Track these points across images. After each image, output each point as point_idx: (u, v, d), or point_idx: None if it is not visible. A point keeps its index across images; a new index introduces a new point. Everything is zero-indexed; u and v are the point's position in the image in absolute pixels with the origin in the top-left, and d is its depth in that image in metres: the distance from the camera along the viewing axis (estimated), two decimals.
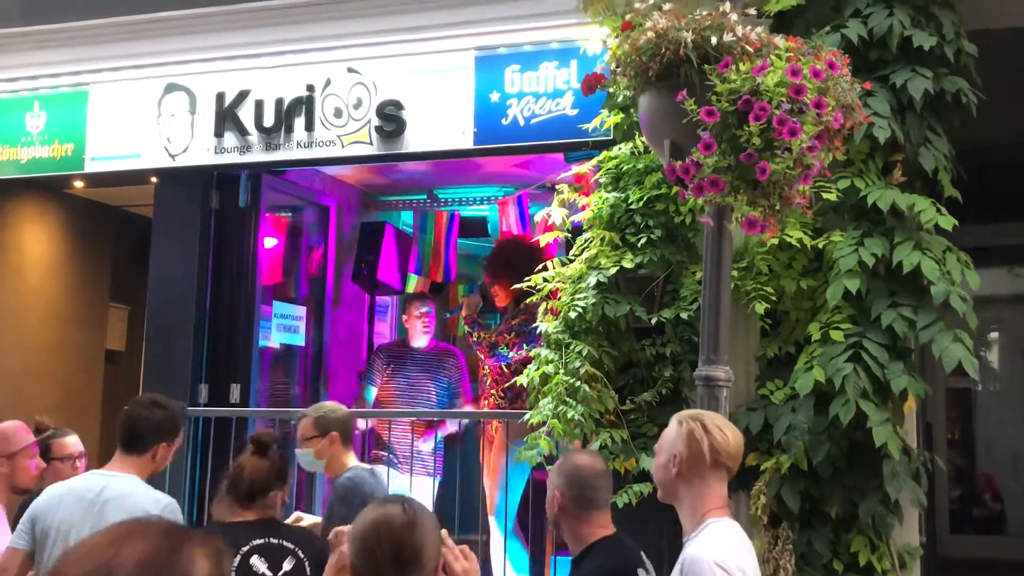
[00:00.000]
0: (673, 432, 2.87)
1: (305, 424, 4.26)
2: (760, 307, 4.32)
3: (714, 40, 3.23)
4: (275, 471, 3.51)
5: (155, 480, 4.13)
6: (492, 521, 5.89)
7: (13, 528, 3.89)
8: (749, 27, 3.31)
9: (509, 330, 6.04)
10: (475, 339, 6.20)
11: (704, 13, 3.32)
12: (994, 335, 9.34)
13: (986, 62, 4.57)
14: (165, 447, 3.69)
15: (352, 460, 4.24)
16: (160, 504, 3.51)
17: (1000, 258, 8.38)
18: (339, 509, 3.86)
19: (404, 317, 6.71)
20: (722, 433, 2.82)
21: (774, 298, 4.38)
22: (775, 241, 4.29)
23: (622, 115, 4.69)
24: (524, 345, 5.94)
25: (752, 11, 3.64)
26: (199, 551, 1.32)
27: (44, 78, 6.40)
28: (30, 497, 4.12)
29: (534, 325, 5.92)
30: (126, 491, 3.53)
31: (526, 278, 4.85)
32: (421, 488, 5.89)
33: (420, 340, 6.58)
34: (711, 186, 3.16)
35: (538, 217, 5.18)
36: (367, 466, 4.32)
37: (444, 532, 2.47)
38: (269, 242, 6.57)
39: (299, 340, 6.84)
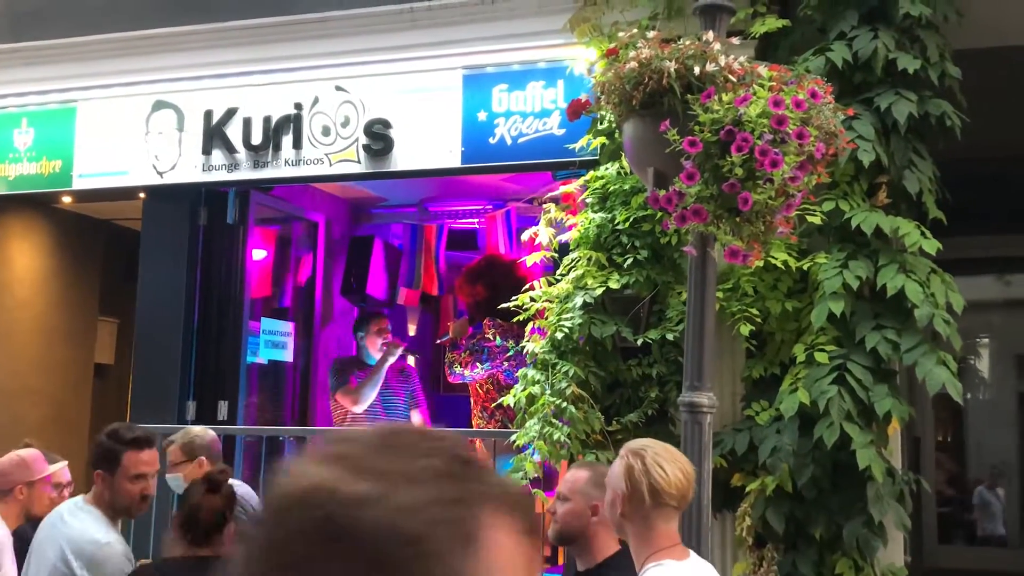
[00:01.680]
0: (616, 468, 2.78)
1: (173, 450, 4.42)
2: (745, 328, 4.34)
3: (697, 70, 3.25)
4: (229, 506, 3.50)
5: None
6: None
7: (19, 555, 3.94)
8: (732, 56, 3.33)
9: (464, 349, 6.07)
10: (445, 359, 6.26)
11: (687, 42, 3.34)
12: (985, 340, 9.38)
13: (985, 74, 4.59)
14: (99, 476, 3.67)
15: None
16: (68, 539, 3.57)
17: (991, 266, 8.43)
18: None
19: (361, 335, 6.61)
20: (662, 471, 2.68)
21: (759, 319, 4.40)
22: (760, 263, 4.31)
23: (606, 140, 4.72)
24: (478, 364, 5.97)
25: (736, 40, 3.64)
26: None
27: (32, 95, 6.39)
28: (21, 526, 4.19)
29: (486, 344, 5.97)
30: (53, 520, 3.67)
31: (510, 300, 4.86)
32: None
33: (373, 357, 6.53)
34: (694, 215, 3.18)
35: (525, 236, 5.19)
36: (237, 482, 4.32)
37: None
38: (257, 257, 6.57)
39: (287, 356, 6.84)
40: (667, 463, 2.72)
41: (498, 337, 5.84)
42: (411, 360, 8.11)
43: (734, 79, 3.28)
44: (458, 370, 6.04)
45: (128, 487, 3.67)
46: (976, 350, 9.35)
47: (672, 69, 3.26)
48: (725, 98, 3.17)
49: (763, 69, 3.35)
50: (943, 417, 8.78)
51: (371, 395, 6.30)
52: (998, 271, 8.59)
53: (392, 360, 6.41)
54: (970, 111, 4.50)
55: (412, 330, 8.53)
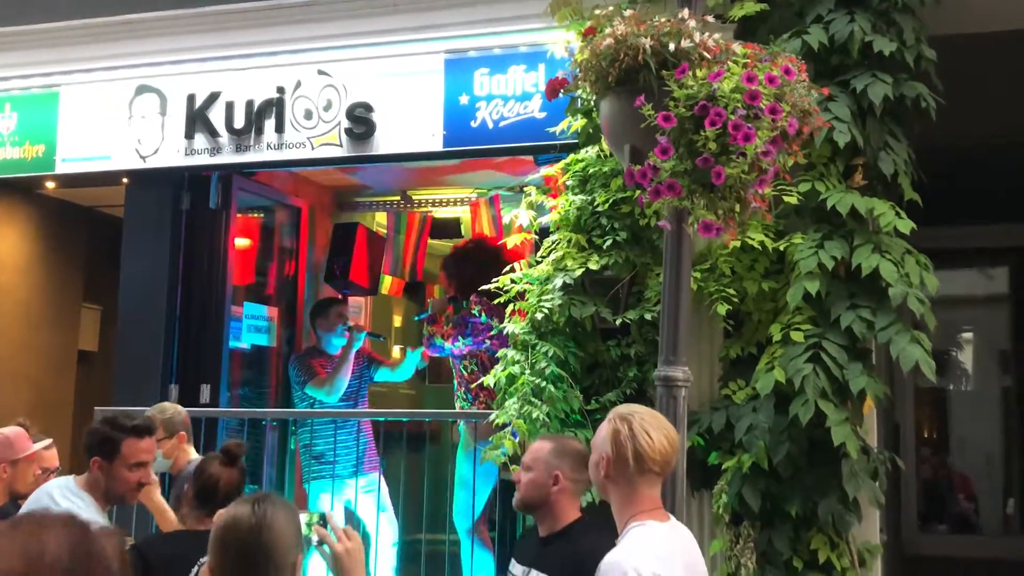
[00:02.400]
0: (603, 431, 2.84)
1: None
2: (722, 308, 4.38)
3: (672, 46, 3.28)
4: (243, 479, 3.55)
5: None
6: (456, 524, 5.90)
7: None
8: (707, 33, 3.36)
9: (446, 321, 6.06)
10: (423, 332, 6.22)
11: (663, 19, 3.37)
12: (968, 335, 9.44)
13: (960, 61, 4.63)
14: (96, 463, 3.65)
15: (193, 454, 4.51)
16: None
17: (974, 260, 8.49)
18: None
19: (320, 321, 6.48)
20: (647, 437, 2.74)
21: (736, 299, 4.44)
22: (737, 243, 4.36)
23: (585, 120, 4.75)
24: (460, 338, 5.94)
25: (711, 18, 3.66)
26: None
27: (15, 79, 6.41)
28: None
29: (471, 319, 5.96)
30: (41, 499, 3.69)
31: (492, 281, 4.89)
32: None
33: (333, 346, 6.42)
34: (668, 190, 3.21)
35: (507, 219, 5.23)
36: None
37: (329, 513, 2.53)
38: (241, 243, 6.58)
39: (270, 341, 6.85)
40: (653, 429, 2.78)
41: (483, 314, 5.81)
42: (396, 351, 8.12)
43: (709, 56, 3.31)
44: (439, 342, 6.00)
45: (127, 475, 3.65)
46: (959, 343, 9.43)
47: (647, 45, 3.29)
48: (699, 74, 3.20)
49: (738, 47, 3.38)
50: (925, 407, 8.85)
51: (344, 384, 6.20)
52: (981, 263, 8.67)
53: (358, 345, 6.32)
54: (946, 98, 4.55)
55: (397, 320, 8.56)
